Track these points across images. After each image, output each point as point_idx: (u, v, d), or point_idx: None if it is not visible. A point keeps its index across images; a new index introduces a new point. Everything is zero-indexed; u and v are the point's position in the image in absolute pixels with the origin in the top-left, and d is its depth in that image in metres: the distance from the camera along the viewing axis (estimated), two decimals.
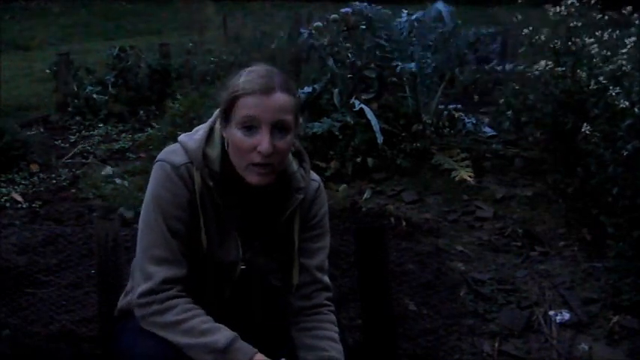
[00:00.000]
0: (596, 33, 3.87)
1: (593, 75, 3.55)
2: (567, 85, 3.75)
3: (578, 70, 3.69)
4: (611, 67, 3.45)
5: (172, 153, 1.67)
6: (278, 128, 1.59)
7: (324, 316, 1.78)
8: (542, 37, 3.97)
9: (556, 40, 3.92)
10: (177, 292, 1.62)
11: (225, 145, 1.66)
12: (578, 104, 3.72)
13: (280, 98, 1.59)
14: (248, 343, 1.59)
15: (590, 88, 3.55)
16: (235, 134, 1.60)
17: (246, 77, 1.60)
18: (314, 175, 1.80)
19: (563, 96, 3.77)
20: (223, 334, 1.57)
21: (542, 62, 3.82)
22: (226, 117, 1.63)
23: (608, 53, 3.66)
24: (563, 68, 3.77)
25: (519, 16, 4.53)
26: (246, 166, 1.61)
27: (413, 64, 4.33)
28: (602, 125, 3.34)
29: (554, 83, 3.84)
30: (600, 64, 3.62)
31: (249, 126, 1.58)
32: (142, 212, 1.68)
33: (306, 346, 1.73)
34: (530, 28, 4.06)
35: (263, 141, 1.57)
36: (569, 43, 3.85)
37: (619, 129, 3.11)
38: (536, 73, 3.93)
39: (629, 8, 3.89)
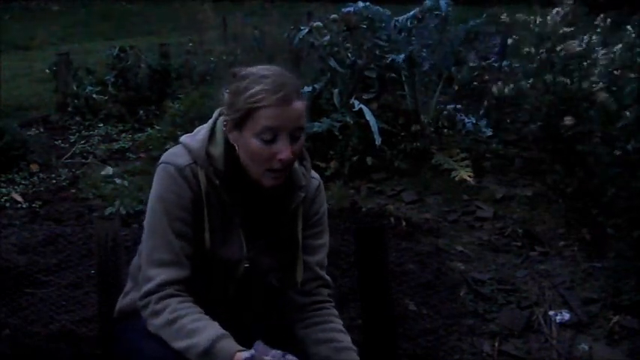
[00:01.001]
0: (584, 37, 3.90)
1: (583, 78, 3.58)
2: (558, 91, 3.78)
3: (562, 78, 3.71)
4: (600, 69, 3.47)
5: (175, 155, 1.68)
6: (296, 134, 1.61)
7: (328, 310, 1.81)
8: (532, 49, 4.00)
9: (542, 50, 3.95)
10: (173, 291, 1.61)
11: (236, 148, 1.65)
12: (572, 107, 3.75)
13: (299, 107, 1.60)
14: (236, 342, 1.54)
15: (580, 90, 3.57)
16: (252, 143, 1.60)
17: (263, 86, 1.58)
18: (314, 174, 1.82)
19: (556, 100, 3.79)
20: (205, 336, 1.54)
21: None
22: (240, 124, 1.61)
23: (599, 56, 3.68)
24: (550, 75, 3.79)
25: (505, 16, 4.55)
26: (263, 172, 1.62)
27: (402, 56, 4.33)
28: (596, 127, 3.35)
29: (546, 89, 3.87)
30: (590, 68, 3.65)
31: (269, 137, 1.58)
32: (146, 216, 1.69)
33: (318, 340, 1.75)
34: (516, 37, 4.09)
35: (284, 150, 1.58)
36: (557, 49, 3.88)
37: (613, 129, 3.12)
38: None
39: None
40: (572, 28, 3.94)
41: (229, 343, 1.54)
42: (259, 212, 1.73)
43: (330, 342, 1.74)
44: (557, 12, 3.94)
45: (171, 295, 1.61)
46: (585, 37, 3.88)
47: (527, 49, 4.03)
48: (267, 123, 1.57)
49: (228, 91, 1.66)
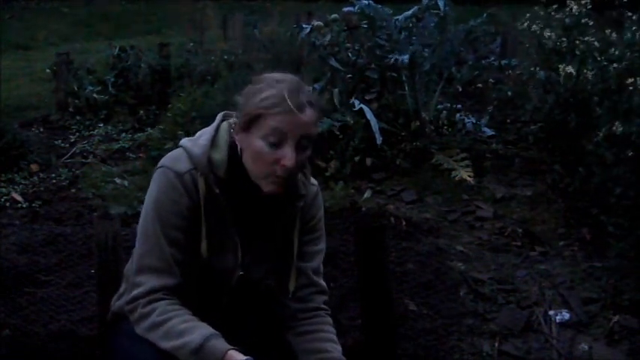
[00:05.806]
0: (606, 31, 3.88)
1: (601, 74, 3.56)
2: (573, 85, 3.76)
3: (585, 70, 3.69)
4: (616, 65, 3.46)
5: (176, 159, 1.64)
6: (303, 142, 1.58)
7: (321, 318, 1.79)
8: (552, 36, 3.99)
9: (564, 39, 3.93)
10: (161, 295, 1.61)
11: (239, 149, 1.63)
12: (581, 103, 3.73)
13: (310, 115, 1.58)
14: (237, 346, 1.55)
15: (595, 87, 3.56)
16: (258, 144, 1.58)
17: (277, 91, 1.56)
18: (312, 180, 1.80)
19: (568, 94, 3.77)
20: (198, 334, 1.54)
21: (561, 66, 3.82)
22: (249, 126, 1.59)
23: (616, 52, 3.66)
24: (570, 68, 3.77)
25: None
26: (264, 176, 1.60)
27: (406, 56, 4.33)
28: (605, 124, 3.34)
29: (560, 82, 3.84)
30: (605, 63, 3.63)
31: (275, 140, 1.56)
32: (140, 219, 1.67)
33: (308, 350, 1.74)
34: (539, 26, 4.07)
35: (288, 156, 1.56)
36: (576, 42, 3.86)
37: (627, 127, 3.10)
38: (541, 73, 3.96)
39: None
40: (590, 21, 3.94)
41: (221, 342, 1.54)
42: (257, 220, 1.71)
43: (318, 352, 1.73)
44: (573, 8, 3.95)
45: (159, 299, 1.60)
46: (607, 31, 3.88)
47: (544, 41, 4.02)
48: (275, 125, 1.55)
49: (242, 93, 1.64)
